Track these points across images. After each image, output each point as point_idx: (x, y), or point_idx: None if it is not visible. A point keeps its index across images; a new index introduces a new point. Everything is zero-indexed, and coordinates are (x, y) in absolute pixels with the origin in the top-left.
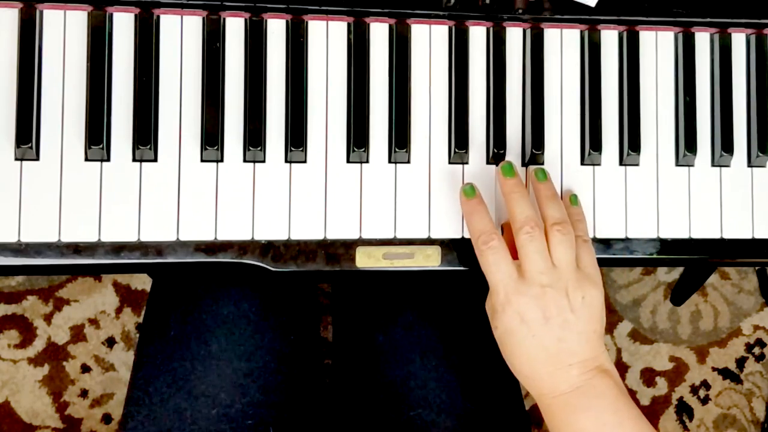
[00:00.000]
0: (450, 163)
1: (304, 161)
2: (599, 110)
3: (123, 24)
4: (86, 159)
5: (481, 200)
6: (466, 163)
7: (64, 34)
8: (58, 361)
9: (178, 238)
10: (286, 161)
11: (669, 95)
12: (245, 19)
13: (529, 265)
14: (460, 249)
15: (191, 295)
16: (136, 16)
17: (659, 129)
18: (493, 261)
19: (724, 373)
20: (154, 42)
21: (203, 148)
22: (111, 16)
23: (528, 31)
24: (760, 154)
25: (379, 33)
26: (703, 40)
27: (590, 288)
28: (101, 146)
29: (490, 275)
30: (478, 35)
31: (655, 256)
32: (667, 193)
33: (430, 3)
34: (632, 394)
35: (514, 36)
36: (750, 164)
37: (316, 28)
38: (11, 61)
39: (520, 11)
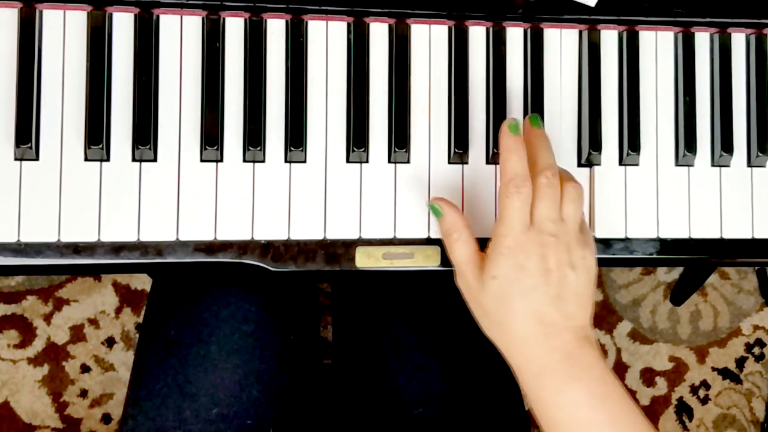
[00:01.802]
0: (450, 163)
1: (304, 161)
2: (599, 110)
3: (123, 24)
4: (86, 159)
5: (523, 142)
6: (466, 163)
7: (64, 34)
8: (58, 361)
9: (177, 238)
10: (286, 161)
11: (669, 95)
12: (245, 19)
13: (542, 209)
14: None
15: (191, 295)
16: (135, 16)
17: (659, 129)
18: (519, 207)
19: (724, 373)
20: (153, 42)
21: (203, 148)
22: (111, 16)
23: (528, 31)
24: (760, 154)
25: (378, 33)
26: (702, 40)
27: (590, 251)
28: (101, 146)
29: (507, 217)
30: (478, 35)
31: (654, 256)
32: (667, 193)
33: (430, 3)
34: (632, 394)
35: (514, 36)
36: (750, 164)
37: (315, 28)
38: (11, 60)
39: (520, 12)
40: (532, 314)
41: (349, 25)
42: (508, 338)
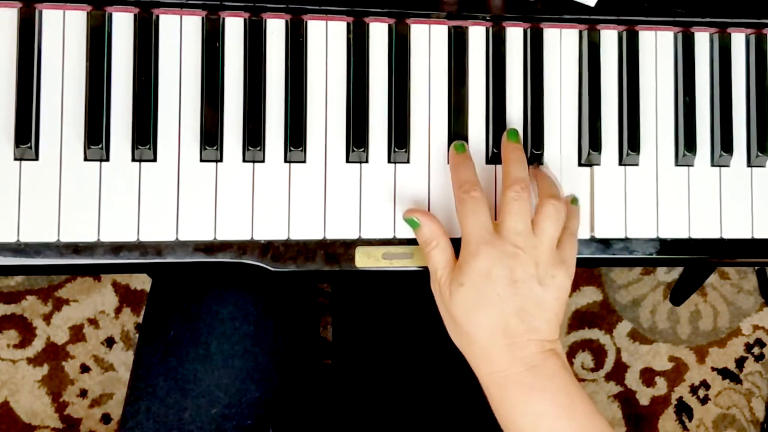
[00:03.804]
0: (449, 163)
1: (304, 161)
2: (599, 110)
3: (122, 24)
4: (85, 159)
5: (470, 157)
6: None
7: (64, 34)
8: (58, 361)
9: (177, 238)
10: (286, 161)
11: (668, 95)
12: (245, 19)
13: (508, 222)
14: (459, 248)
15: (191, 295)
16: (135, 15)
17: (659, 129)
18: (472, 210)
19: (724, 373)
20: (153, 42)
21: (202, 148)
22: (110, 15)
23: (528, 31)
24: (760, 154)
25: (378, 33)
26: (702, 40)
27: (563, 271)
28: (100, 146)
29: (466, 224)
30: (477, 35)
31: (654, 256)
32: (667, 193)
33: (429, 3)
34: (632, 394)
35: (514, 36)
36: (749, 164)
37: (315, 27)
38: (10, 60)
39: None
40: (497, 324)
41: (348, 25)
42: (474, 348)
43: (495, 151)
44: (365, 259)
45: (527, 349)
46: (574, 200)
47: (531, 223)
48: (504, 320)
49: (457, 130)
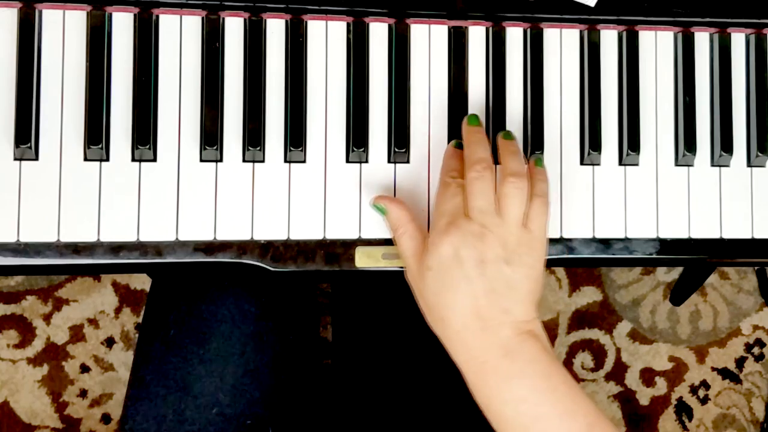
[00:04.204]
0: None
1: (304, 161)
2: (599, 110)
3: (122, 24)
4: (85, 159)
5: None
6: None
7: (64, 34)
8: (58, 361)
9: (177, 238)
10: (286, 161)
11: (668, 95)
12: (244, 19)
13: (472, 201)
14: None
15: (190, 295)
16: (135, 15)
17: (659, 129)
18: (453, 194)
19: (724, 373)
20: (153, 42)
21: (202, 147)
22: (110, 15)
23: (528, 31)
24: (760, 154)
25: (378, 33)
26: (702, 40)
27: (531, 249)
28: (100, 146)
29: (440, 206)
30: (477, 35)
31: (654, 256)
32: (667, 193)
33: (429, 3)
34: (632, 394)
35: (514, 36)
36: (749, 164)
37: (315, 27)
38: (10, 60)
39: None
40: (468, 307)
41: (348, 25)
42: (449, 333)
43: (494, 150)
44: (365, 259)
45: (502, 332)
46: (538, 161)
47: (497, 203)
48: (474, 302)
49: (457, 130)
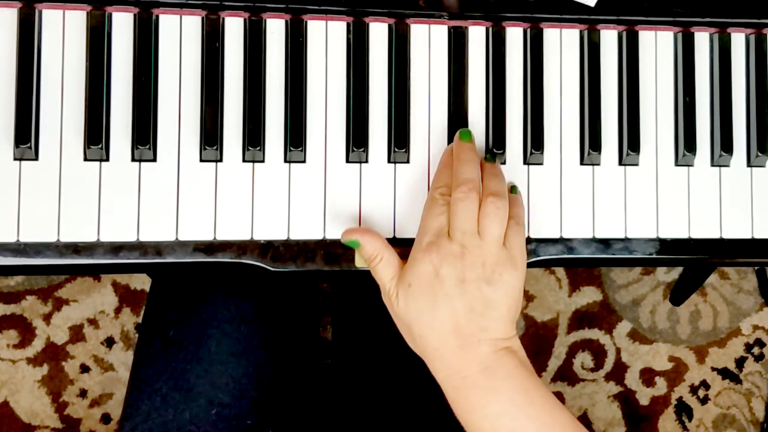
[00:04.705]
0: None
1: (304, 161)
2: (599, 110)
3: (122, 24)
4: (85, 159)
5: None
6: None
7: (63, 34)
8: (57, 361)
9: (177, 238)
10: (286, 161)
11: (668, 95)
12: (244, 19)
13: (455, 222)
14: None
15: (190, 295)
16: (135, 15)
17: (658, 129)
18: (440, 212)
19: (724, 373)
20: (153, 42)
21: (202, 147)
22: (110, 15)
23: (528, 31)
24: (760, 154)
25: (378, 33)
26: (702, 40)
27: (510, 268)
28: (100, 146)
29: (426, 223)
30: (477, 35)
31: (654, 256)
32: (667, 193)
33: (429, 3)
34: (632, 394)
35: (514, 36)
36: (749, 164)
37: (315, 27)
38: (10, 60)
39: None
40: (448, 325)
41: (348, 25)
42: (429, 351)
43: (494, 150)
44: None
45: (480, 350)
46: (513, 188)
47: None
48: (454, 321)
49: (457, 130)
